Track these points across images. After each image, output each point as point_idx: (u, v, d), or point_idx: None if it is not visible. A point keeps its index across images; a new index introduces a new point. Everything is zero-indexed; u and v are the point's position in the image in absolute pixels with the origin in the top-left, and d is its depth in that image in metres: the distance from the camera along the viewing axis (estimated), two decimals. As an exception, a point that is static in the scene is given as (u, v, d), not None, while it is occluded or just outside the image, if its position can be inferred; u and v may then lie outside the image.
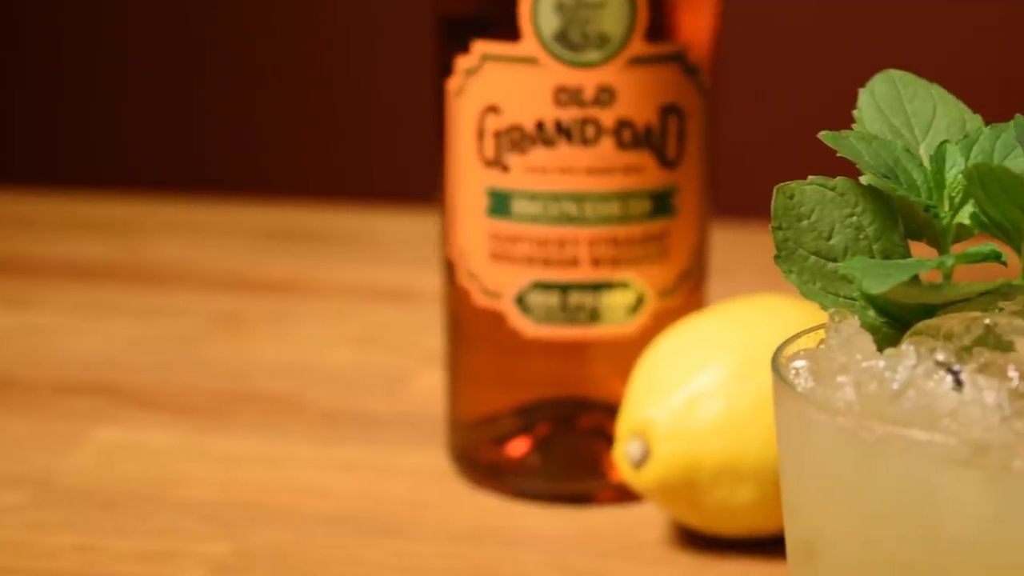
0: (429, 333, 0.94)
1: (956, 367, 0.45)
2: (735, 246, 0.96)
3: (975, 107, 0.55)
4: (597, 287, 0.74)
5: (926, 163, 0.52)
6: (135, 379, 0.92)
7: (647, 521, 0.74)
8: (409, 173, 1.19)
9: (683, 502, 0.70)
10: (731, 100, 1.03)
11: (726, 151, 0.95)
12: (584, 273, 0.73)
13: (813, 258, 0.51)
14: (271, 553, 0.71)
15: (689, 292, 0.76)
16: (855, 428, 0.45)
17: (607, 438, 0.75)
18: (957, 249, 0.52)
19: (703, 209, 0.76)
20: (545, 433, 0.77)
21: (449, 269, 0.77)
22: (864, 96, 0.55)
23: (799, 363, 0.48)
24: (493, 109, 0.73)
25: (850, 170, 0.52)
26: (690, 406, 0.69)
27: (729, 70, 0.88)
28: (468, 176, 0.74)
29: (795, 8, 1.29)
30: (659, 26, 0.72)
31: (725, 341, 0.71)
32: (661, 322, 0.75)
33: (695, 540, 0.72)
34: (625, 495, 0.75)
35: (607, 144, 0.72)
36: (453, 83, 0.74)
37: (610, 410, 0.75)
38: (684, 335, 0.72)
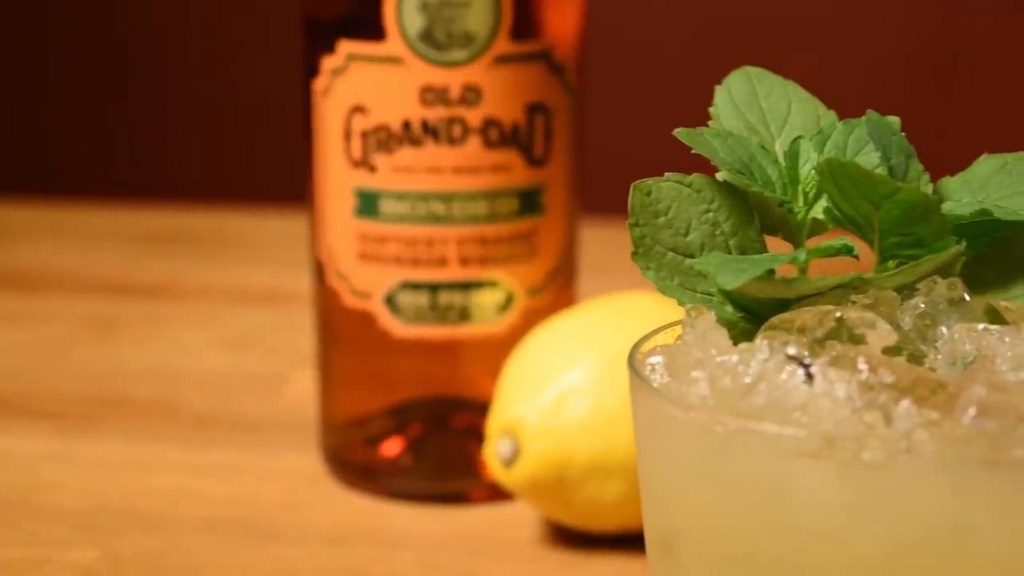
0: (304, 334, 0.94)
1: (807, 360, 0.46)
2: (606, 243, 0.96)
3: (831, 103, 0.56)
4: (466, 286, 0.74)
5: (781, 159, 0.53)
6: (2, 385, 0.91)
7: (519, 519, 0.74)
8: (283, 174, 1.18)
9: (554, 499, 0.70)
10: (600, 98, 1.03)
11: (596, 149, 0.95)
12: (453, 272, 0.73)
13: (670, 254, 0.52)
14: (141, 559, 0.70)
15: (559, 290, 0.76)
16: (708, 423, 0.45)
17: (480, 437, 0.75)
18: (812, 243, 0.52)
19: (572, 207, 0.76)
20: (418, 433, 0.77)
21: (319, 270, 0.77)
22: (720, 93, 0.55)
23: (655, 359, 0.48)
24: (359, 109, 0.72)
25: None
26: (559, 404, 0.69)
27: (596, 68, 0.88)
28: (336, 176, 0.74)
29: (661, 6, 1.29)
30: (524, 25, 0.72)
31: (594, 339, 0.71)
32: (531, 320, 0.75)
33: (567, 537, 0.72)
34: (498, 493, 0.75)
35: (474, 143, 0.72)
36: (319, 83, 0.73)
37: (482, 409, 0.75)
38: (553, 333, 0.72)
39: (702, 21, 1.28)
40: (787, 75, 0.57)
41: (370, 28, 0.71)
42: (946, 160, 0.55)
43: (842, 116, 0.54)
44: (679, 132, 0.51)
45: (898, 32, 1.27)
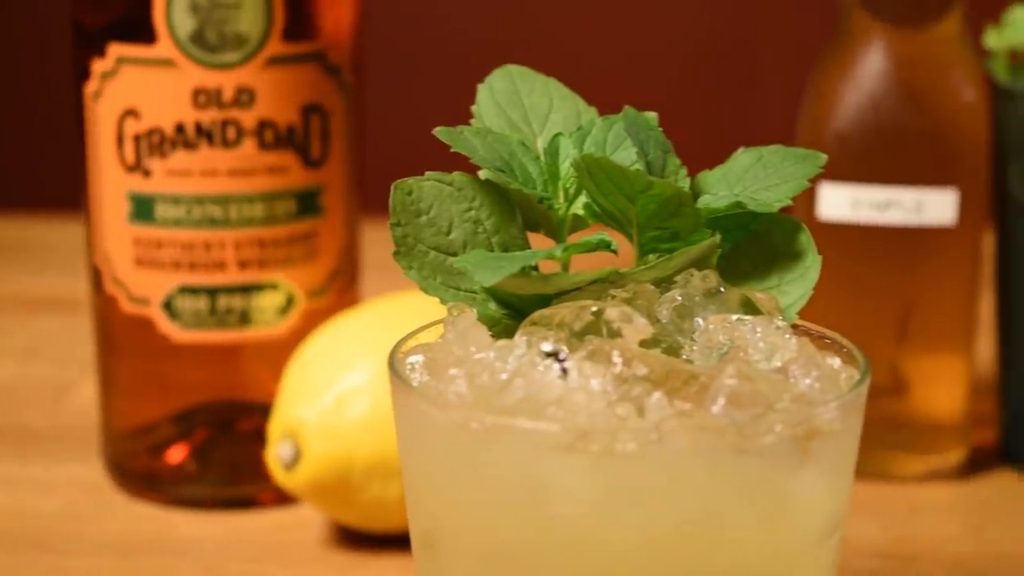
0: (88, 343, 0.92)
1: (563, 355, 0.46)
2: (389, 244, 0.96)
3: (609, 102, 0.56)
4: (246, 289, 0.73)
5: (543, 156, 0.53)
6: None
7: (306, 522, 0.73)
8: (65, 181, 1.16)
9: (337, 501, 0.70)
10: (380, 98, 1.03)
11: (377, 149, 0.95)
12: (232, 276, 0.73)
13: (433, 253, 0.52)
14: (-84, 577, 0.68)
15: (340, 291, 0.76)
16: (464, 420, 0.45)
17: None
18: (574, 239, 0.53)
19: (351, 208, 0.76)
20: (203, 439, 0.76)
21: (96, 277, 0.75)
22: (483, 91, 0.55)
23: (415, 358, 0.49)
24: (132, 113, 0.71)
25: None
26: (340, 405, 0.69)
27: (375, 68, 0.88)
28: (109, 181, 0.73)
29: (442, 5, 1.29)
30: (297, 26, 0.71)
31: (375, 339, 0.71)
32: (313, 322, 0.74)
33: (352, 538, 0.72)
34: (287, 497, 0.75)
35: (249, 145, 0.71)
36: (90, 87, 0.72)
37: (268, 412, 0.74)
38: (334, 335, 0.72)
39: (484, 19, 1.29)
40: (566, 73, 0.58)
41: (140, 31, 0.70)
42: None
43: (607, 112, 0.55)
44: (438, 131, 0.52)
45: (683, 30, 1.29)
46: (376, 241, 0.88)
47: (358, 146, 0.76)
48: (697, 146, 0.68)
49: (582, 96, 0.56)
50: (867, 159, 0.75)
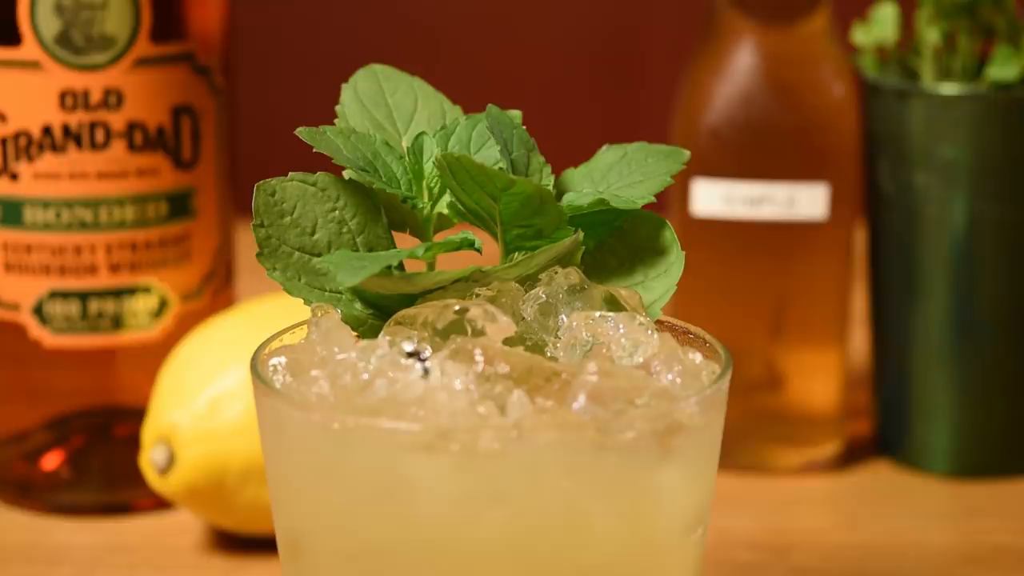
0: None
1: (424, 355, 0.46)
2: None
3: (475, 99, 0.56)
4: (118, 293, 0.72)
5: (407, 155, 0.53)
6: None
7: (183, 527, 0.73)
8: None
9: (213, 505, 0.69)
10: (252, 98, 1.02)
11: (251, 149, 0.94)
12: (103, 280, 0.72)
13: (297, 254, 0.51)
14: None
15: (214, 293, 0.76)
16: (326, 421, 0.45)
17: (142, 445, 0.74)
18: (441, 238, 0.53)
19: (224, 209, 0.76)
20: (79, 445, 0.75)
21: (-35, 282, 0.74)
22: (347, 91, 0.55)
23: (277, 360, 0.48)
24: (-2, 116, 0.71)
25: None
26: (213, 408, 0.68)
27: (247, 68, 0.88)
28: (-24, 185, 0.72)
29: (309, 5, 1.29)
30: (165, 26, 0.71)
31: (248, 341, 0.70)
32: (187, 325, 0.74)
33: (229, 542, 0.71)
34: (165, 502, 0.74)
35: (118, 147, 0.71)
36: (-46, 91, 0.71)
37: (143, 416, 0.73)
38: (208, 337, 0.71)
39: (356, 17, 1.28)
40: (442, 72, 0.58)
41: (5, 32, 0.69)
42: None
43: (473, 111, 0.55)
44: (301, 131, 0.51)
45: (564, 28, 1.30)
46: (250, 242, 0.87)
47: (229, 147, 0.76)
48: (579, 143, 0.69)
49: (458, 94, 0.56)
50: (739, 155, 0.76)
